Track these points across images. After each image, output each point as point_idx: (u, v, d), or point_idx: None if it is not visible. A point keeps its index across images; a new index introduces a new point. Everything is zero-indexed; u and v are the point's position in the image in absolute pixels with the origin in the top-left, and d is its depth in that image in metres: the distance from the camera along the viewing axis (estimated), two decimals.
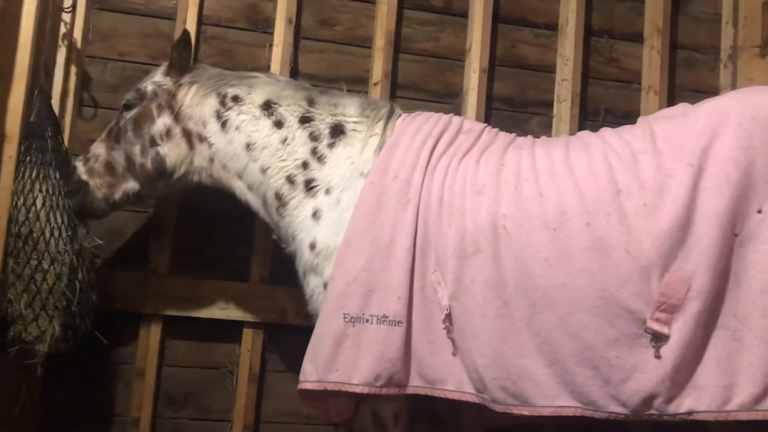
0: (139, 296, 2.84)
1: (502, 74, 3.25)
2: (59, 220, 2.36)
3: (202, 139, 2.48)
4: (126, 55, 2.98)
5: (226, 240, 2.96)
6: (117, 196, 2.53)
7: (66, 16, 2.74)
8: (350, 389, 2.09)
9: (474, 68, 3.14)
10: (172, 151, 2.50)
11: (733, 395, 1.91)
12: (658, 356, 1.95)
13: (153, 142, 2.50)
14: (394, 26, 3.13)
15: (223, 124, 2.45)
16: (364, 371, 2.08)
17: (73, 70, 2.83)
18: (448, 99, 3.20)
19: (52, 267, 2.32)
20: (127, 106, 2.54)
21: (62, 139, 2.55)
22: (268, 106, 2.44)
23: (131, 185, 2.53)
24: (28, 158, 2.38)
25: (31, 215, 2.33)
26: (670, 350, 1.94)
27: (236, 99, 2.46)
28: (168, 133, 2.50)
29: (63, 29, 2.76)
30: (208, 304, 2.89)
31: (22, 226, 2.33)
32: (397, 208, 2.16)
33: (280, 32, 3.03)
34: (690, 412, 1.94)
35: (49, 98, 2.55)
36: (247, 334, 2.93)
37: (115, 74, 2.96)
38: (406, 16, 3.20)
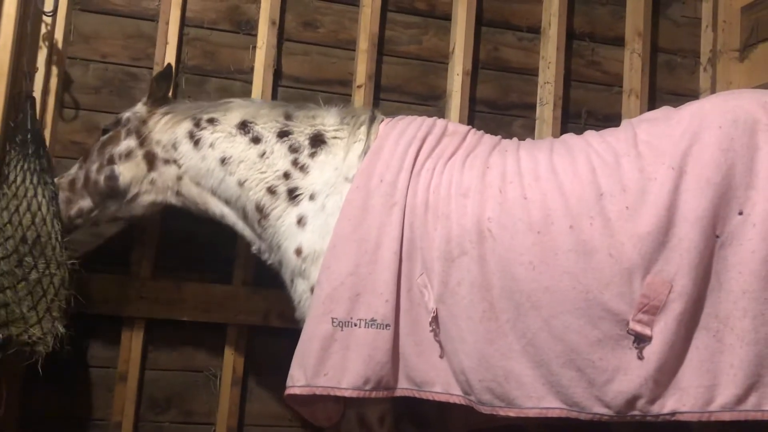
0: (122, 299, 2.82)
1: (485, 77, 3.26)
2: (57, 226, 2.39)
3: (168, 161, 2.48)
4: (108, 56, 2.95)
5: (209, 243, 2.94)
6: (72, 212, 2.53)
7: (47, 18, 2.71)
8: (339, 393, 2.09)
9: (457, 71, 3.15)
10: (127, 171, 2.50)
11: (715, 396, 1.93)
12: (640, 357, 1.97)
13: (111, 161, 2.52)
14: (378, 29, 3.13)
15: (196, 143, 2.46)
16: (353, 375, 2.08)
17: (54, 71, 2.80)
18: (431, 102, 3.21)
19: (58, 271, 2.35)
20: (105, 131, 2.59)
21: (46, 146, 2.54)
22: (244, 125, 2.44)
23: (85, 203, 2.54)
24: (27, 164, 2.39)
25: (37, 220, 2.35)
26: (653, 351, 1.96)
27: (211, 121, 2.48)
28: (128, 154, 2.51)
29: (44, 30, 2.72)
30: (191, 307, 2.87)
31: (28, 230, 2.33)
32: (382, 211, 2.17)
33: (264, 34, 3.02)
34: (673, 413, 1.96)
35: (35, 104, 2.53)
36: (231, 336, 2.92)
37: (96, 76, 2.93)
38: (389, 18, 3.20)
